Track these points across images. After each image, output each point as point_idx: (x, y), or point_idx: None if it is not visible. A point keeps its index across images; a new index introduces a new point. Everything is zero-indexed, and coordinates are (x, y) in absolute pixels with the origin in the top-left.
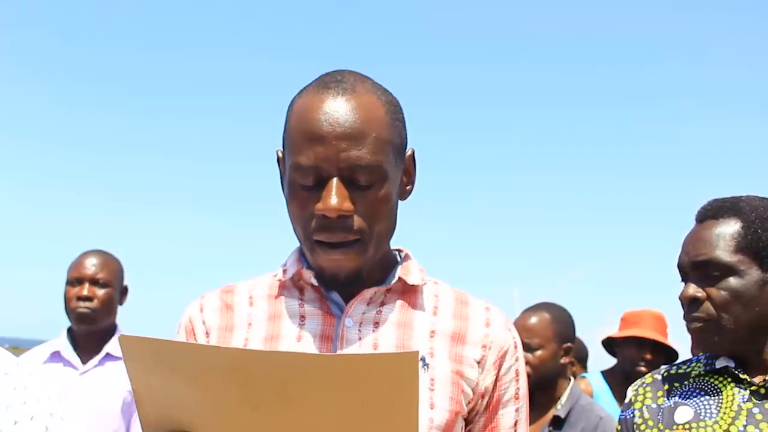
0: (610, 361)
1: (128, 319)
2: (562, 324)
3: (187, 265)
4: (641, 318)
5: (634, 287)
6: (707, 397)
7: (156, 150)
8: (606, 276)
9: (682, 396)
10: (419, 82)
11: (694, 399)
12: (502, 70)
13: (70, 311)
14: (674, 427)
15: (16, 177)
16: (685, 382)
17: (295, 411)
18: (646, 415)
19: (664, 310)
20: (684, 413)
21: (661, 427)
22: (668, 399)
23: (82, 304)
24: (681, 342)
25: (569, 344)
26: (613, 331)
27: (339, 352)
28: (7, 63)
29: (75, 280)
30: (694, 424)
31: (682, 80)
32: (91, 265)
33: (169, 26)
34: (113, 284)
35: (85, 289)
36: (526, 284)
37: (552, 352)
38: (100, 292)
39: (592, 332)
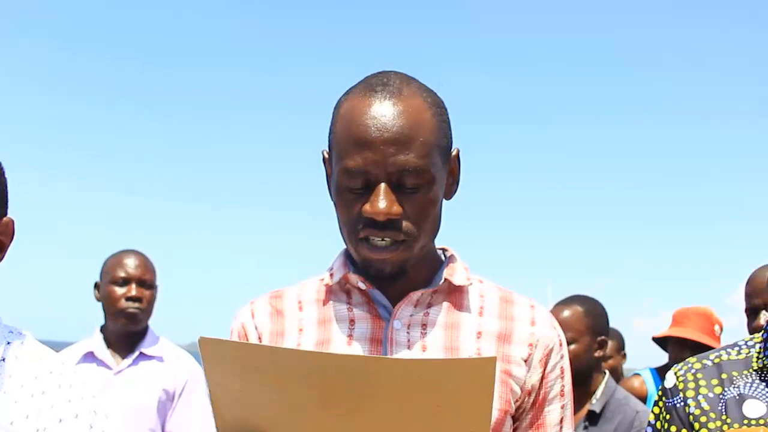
0: (643, 354)
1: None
2: (595, 317)
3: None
4: (686, 317)
5: (671, 279)
6: None
7: (155, 150)
8: (645, 269)
9: (747, 388)
10: (461, 78)
11: (764, 392)
12: (533, 70)
13: (117, 311)
14: (746, 422)
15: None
16: (745, 372)
17: (371, 415)
18: (706, 406)
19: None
20: (755, 407)
21: (729, 421)
22: (727, 389)
23: (132, 304)
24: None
25: (603, 337)
26: (649, 323)
27: (389, 355)
28: (51, 64)
29: (122, 280)
30: None
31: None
32: (136, 266)
33: (214, 23)
34: (155, 285)
35: (134, 290)
36: (563, 278)
37: (586, 345)
38: (147, 293)
39: (629, 322)
